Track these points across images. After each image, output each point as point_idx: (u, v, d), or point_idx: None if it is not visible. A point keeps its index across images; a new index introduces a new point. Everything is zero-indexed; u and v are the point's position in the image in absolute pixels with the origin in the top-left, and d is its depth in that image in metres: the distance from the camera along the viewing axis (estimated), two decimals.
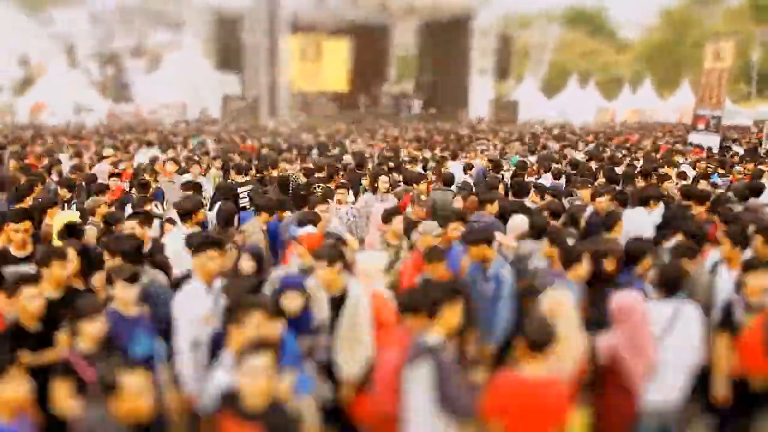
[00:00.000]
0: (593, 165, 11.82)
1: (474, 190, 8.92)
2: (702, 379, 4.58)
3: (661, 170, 10.40)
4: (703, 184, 9.10)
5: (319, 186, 8.26)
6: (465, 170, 11.48)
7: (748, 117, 33.86)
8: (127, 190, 9.59)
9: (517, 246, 5.90)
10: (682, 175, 10.25)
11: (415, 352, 3.69)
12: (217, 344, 4.06)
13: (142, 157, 13.89)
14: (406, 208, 7.43)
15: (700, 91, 20.00)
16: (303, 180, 9.47)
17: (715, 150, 16.74)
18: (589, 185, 8.12)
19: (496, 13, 36.30)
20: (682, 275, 4.57)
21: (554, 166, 11.26)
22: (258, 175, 10.50)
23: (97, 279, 4.81)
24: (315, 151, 15.66)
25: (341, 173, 10.43)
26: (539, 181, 9.87)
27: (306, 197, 7.81)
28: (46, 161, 12.51)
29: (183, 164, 11.30)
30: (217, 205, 7.65)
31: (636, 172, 9.99)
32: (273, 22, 31.39)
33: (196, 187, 8.46)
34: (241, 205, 8.75)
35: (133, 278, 4.27)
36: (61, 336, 4.06)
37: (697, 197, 7.50)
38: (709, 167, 11.82)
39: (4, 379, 3.16)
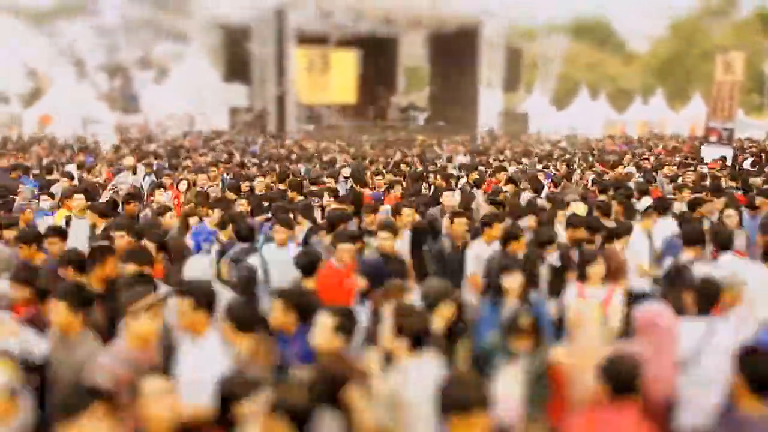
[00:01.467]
0: None
1: None
2: None
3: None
4: None
5: None
6: None
7: (760, 128, 33.42)
8: None
9: None
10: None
11: None
12: None
13: None
14: None
15: (711, 104, 19.68)
16: None
17: (728, 162, 16.46)
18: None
19: (503, 25, 36.00)
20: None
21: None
22: None
23: None
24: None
25: None
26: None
27: None
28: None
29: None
30: None
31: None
32: (280, 34, 31.24)
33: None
34: None
35: None
36: None
37: None
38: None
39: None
